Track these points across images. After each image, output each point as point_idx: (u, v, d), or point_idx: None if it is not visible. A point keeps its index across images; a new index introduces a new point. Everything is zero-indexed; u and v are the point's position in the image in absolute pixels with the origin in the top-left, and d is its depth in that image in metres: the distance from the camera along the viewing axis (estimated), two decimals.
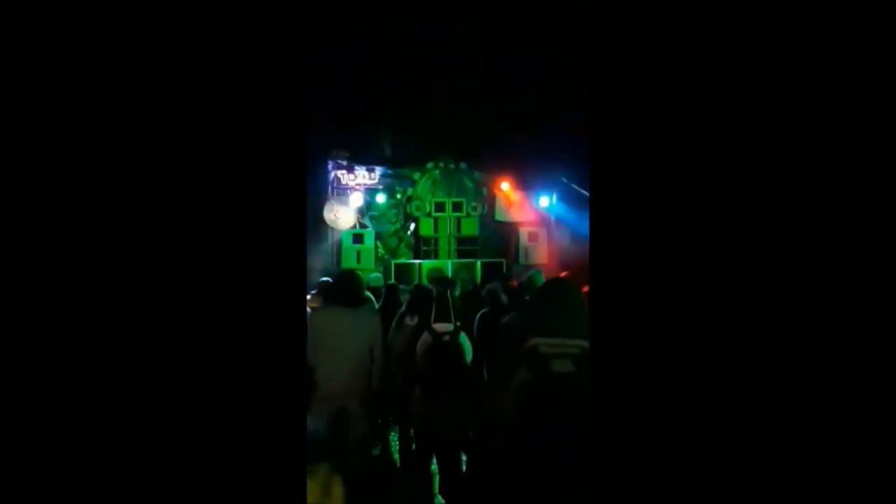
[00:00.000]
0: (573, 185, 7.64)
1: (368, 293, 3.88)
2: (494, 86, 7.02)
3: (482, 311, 3.67)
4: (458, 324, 2.92)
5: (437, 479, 3.04)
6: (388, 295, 4.29)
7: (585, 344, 1.41)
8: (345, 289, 2.91)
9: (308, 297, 3.89)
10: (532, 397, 1.37)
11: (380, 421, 3.86)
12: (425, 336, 2.87)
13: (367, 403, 2.85)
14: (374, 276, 6.31)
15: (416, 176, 8.11)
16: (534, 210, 7.97)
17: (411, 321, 3.13)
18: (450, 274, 7.39)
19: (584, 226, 7.46)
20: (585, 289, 4.12)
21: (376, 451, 3.61)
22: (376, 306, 3.74)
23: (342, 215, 7.66)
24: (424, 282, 6.69)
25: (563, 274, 5.01)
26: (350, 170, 7.93)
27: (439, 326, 2.87)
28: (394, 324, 3.32)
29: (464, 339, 2.84)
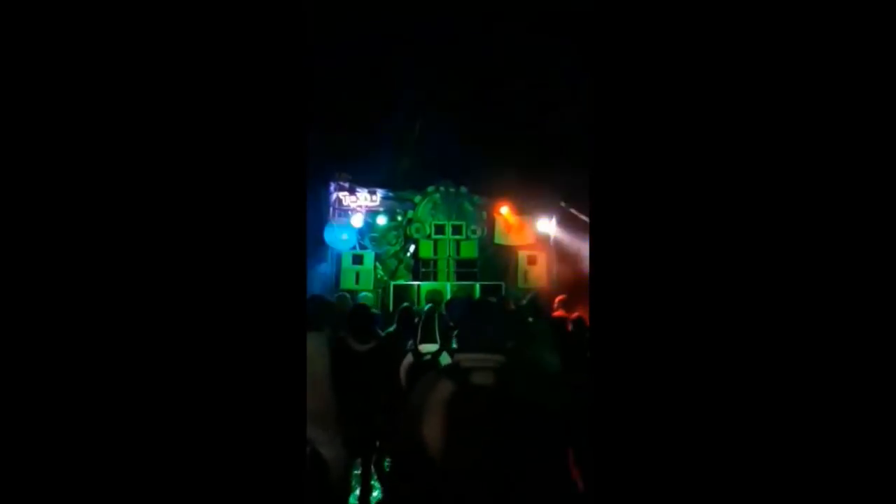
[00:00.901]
0: (571, 210, 7.70)
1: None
2: (495, 109, 7.21)
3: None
4: (445, 345, 2.89)
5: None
6: (402, 318, 4.20)
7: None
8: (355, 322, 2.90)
9: None
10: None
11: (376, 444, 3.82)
12: (407, 357, 2.89)
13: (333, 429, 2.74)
14: (363, 296, 6.31)
15: (417, 199, 8.19)
16: (533, 234, 8.01)
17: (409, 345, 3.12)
18: (448, 296, 7.35)
19: (582, 249, 7.54)
20: (577, 313, 4.24)
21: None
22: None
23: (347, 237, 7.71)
24: (423, 304, 6.72)
25: (559, 298, 5.01)
26: (352, 191, 8.03)
27: (424, 348, 2.87)
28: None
29: (444, 358, 2.80)
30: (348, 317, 3.40)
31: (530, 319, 3.73)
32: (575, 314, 4.24)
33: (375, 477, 3.80)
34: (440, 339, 2.88)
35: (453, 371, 1.50)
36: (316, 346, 2.69)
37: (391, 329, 4.02)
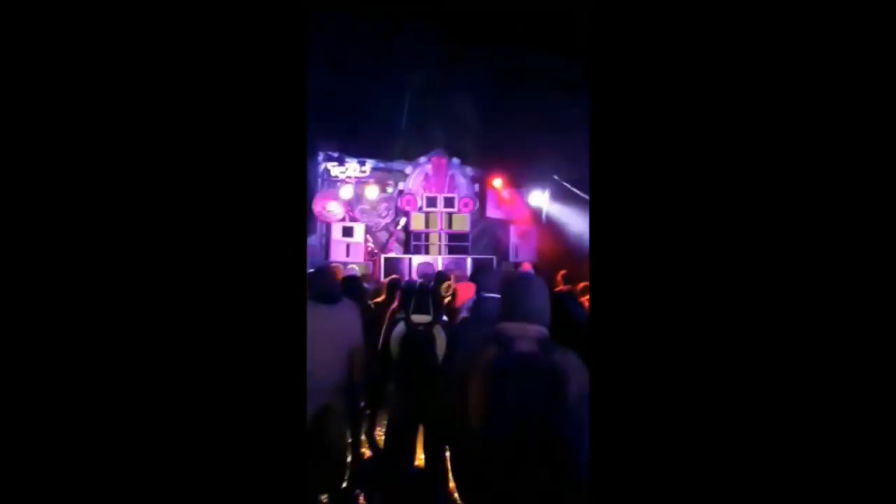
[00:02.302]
0: (565, 184, 7.61)
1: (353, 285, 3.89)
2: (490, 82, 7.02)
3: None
4: (437, 316, 2.93)
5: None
6: (389, 291, 4.23)
7: (545, 330, 1.56)
8: (319, 285, 2.82)
9: None
10: (498, 373, 1.46)
11: (366, 413, 3.89)
12: (400, 326, 2.90)
13: (351, 399, 2.83)
14: (351, 268, 6.25)
15: (408, 170, 8.04)
16: (525, 207, 7.96)
17: (399, 315, 3.14)
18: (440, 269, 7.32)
19: (575, 224, 7.55)
20: (580, 286, 4.26)
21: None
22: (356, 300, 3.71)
23: (333, 208, 7.56)
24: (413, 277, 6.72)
25: (561, 272, 5.04)
26: (341, 162, 7.83)
27: (417, 318, 2.89)
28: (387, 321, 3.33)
29: (438, 331, 2.85)
30: (341, 286, 3.39)
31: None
32: (580, 285, 4.28)
33: (368, 446, 3.86)
34: (433, 310, 2.90)
35: (497, 338, 1.55)
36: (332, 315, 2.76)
37: (379, 300, 4.08)
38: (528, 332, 1.53)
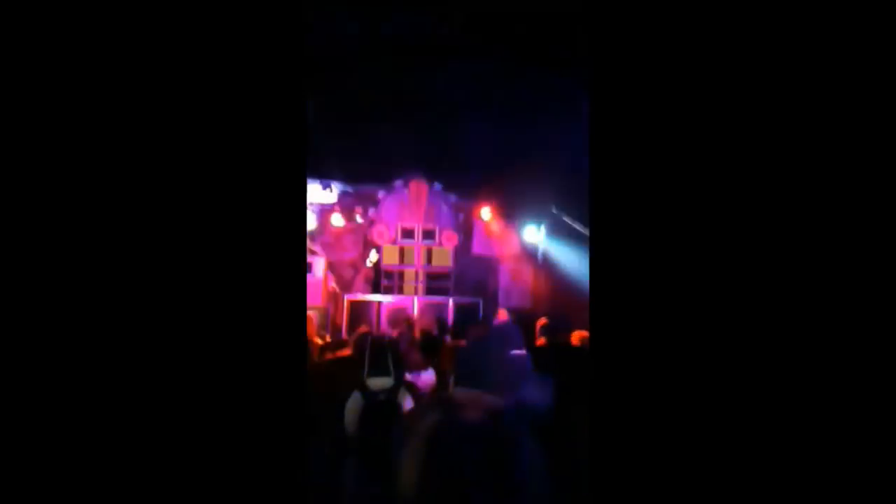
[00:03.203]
0: (564, 218, 6.81)
1: None
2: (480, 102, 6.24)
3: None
4: (399, 377, 2.58)
5: None
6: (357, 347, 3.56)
7: (501, 401, 1.48)
8: None
9: None
10: (437, 442, 1.36)
11: None
12: (355, 396, 2.48)
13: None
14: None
15: (380, 195, 7.20)
16: (518, 243, 7.25)
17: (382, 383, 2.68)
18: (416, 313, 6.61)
19: (575, 263, 6.73)
20: (576, 335, 3.78)
21: None
22: None
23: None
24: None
25: (541, 321, 4.18)
26: None
27: (375, 382, 2.49)
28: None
29: (403, 395, 2.50)
30: None
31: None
32: (576, 335, 3.81)
33: None
34: (393, 369, 2.50)
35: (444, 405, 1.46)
36: None
37: (339, 355, 3.42)
38: (482, 401, 1.44)
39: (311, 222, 6.76)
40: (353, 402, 2.45)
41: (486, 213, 7.17)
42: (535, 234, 7.24)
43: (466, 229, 7.39)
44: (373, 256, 7.13)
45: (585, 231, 6.53)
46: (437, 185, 7.33)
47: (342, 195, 7.08)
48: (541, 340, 3.95)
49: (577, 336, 3.72)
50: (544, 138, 6.14)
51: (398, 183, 7.27)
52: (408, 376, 2.77)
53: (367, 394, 2.45)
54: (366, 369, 2.50)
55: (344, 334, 6.05)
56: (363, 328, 3.93)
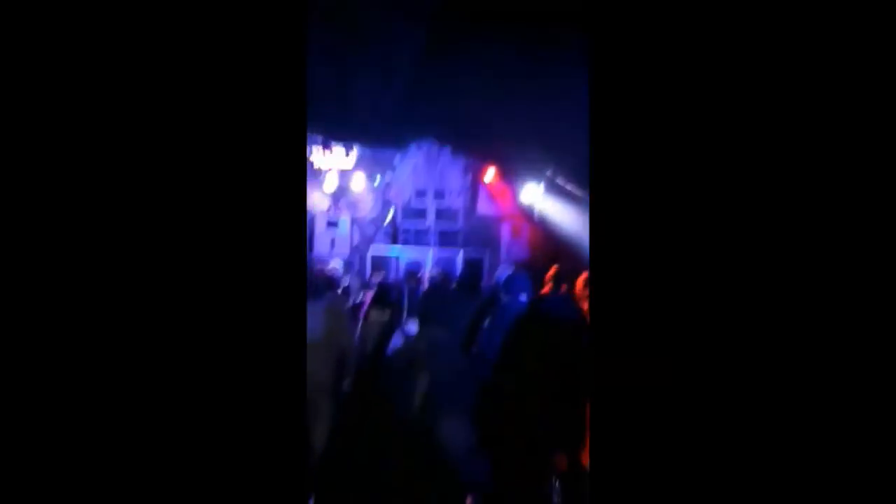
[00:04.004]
0: (558, 180, 7.28)
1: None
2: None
3: None
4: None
5: None
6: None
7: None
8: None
9: None
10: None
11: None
12: (395, 338, 2.73)
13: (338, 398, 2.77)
14: (331, 267, 5.95)
15: (396, 160, 7.65)
16: (518, 203, 7.65)
17: (380, 316, 3.04)
18: (429, 265, 7.16)
19: (568, 221, 7.28)
20: (580, 280, 3.76)
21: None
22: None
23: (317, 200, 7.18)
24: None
25: (553, 268, 4.42)
26: (326, 146, 7.31)
27: (374, 315, 2.87)
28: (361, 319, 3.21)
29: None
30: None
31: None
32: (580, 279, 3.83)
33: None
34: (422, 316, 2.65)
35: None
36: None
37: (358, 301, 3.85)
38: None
39: (335, 184, 7.34)
40: (393, 345, 2.80)
41: (489, 175, 7.55)
42: (532, 195, 7.63)
43: (472, 190, 7.80)
44: (390, 214, 7.63)
45: (577, 192, 6.94)
46: (448, 149, 7.64)
47: (362, 158, 7.52)
48: (548, 287, 4.14)
49: (582, 279, 3.82)
50: (544, 107, 6.49)
51: (412, 147, 7.60)
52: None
53: (405, 337, 2.80)
54: (405, 314, 3.00)
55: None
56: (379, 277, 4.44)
